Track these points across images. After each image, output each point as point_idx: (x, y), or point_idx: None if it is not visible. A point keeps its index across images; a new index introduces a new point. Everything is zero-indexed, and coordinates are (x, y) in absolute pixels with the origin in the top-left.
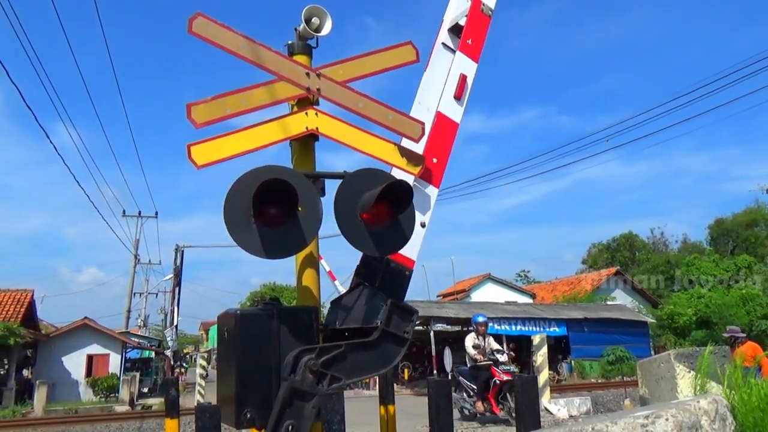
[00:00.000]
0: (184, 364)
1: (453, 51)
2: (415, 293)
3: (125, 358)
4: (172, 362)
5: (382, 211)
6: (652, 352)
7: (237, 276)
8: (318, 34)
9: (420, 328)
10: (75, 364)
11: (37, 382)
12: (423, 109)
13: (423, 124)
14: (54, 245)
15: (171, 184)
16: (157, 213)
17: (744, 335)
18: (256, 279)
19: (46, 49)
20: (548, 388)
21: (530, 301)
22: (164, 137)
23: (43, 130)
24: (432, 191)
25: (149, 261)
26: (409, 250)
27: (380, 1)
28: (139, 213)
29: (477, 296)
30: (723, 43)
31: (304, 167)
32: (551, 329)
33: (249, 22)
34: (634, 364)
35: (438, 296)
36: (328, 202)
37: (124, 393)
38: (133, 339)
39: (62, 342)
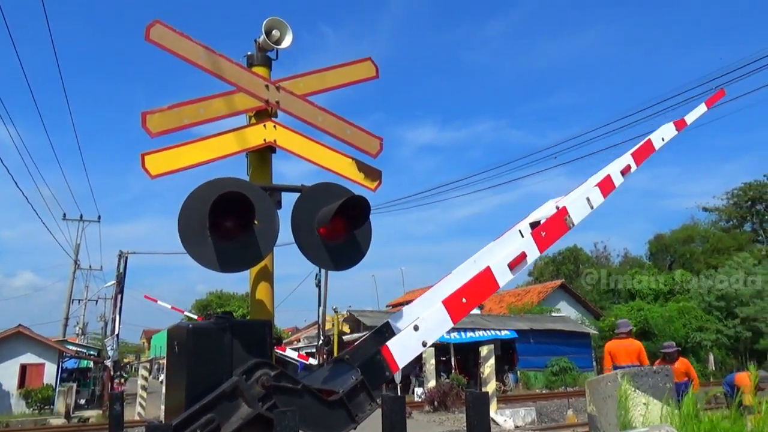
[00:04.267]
0: (124, 374)
1: (523, 237)
2: (364, 303)
3: (62, 368)
4: (111, 372)
5: (339, 226)
6: (594, 363)
7: (183, 283)
8: (278, 47)
9: None
10: (7, 374)
11: None
12: (475, 266)
13: (381, 139)
14: None
15: (116, 187)
16: (99, 217)
17: (677, 349)
18: (202, 286)
19: None
20: (495, 399)
21: (478, 312)
22: (111, 138)
23: None
24: (448, 323)
25: (90, 266)
26: (401, 356)
27: (338, 10)
28: (81, 217)
29: None
30: (669, 65)
31: (261, 179)
32: (503, 333)
33: (208, 30)
34: (576, 374)
35: (387, 306)
36: (285, 215)
37: (59, 405)
38: (70, 348)
39: None
